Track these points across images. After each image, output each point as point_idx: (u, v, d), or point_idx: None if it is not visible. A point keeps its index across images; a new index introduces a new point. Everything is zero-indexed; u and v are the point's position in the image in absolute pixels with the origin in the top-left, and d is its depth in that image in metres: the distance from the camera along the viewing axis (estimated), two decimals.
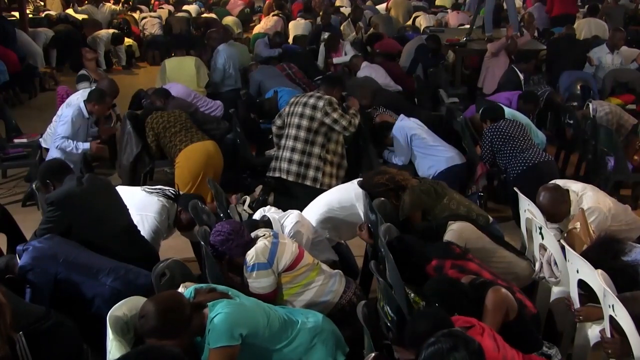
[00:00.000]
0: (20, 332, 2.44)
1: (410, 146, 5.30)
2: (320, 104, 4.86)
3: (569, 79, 7.40)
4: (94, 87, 6.15)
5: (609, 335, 2.75)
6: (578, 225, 3.53)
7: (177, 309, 2.45)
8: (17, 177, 6.24)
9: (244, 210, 4.36)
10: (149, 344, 2.35)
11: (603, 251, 3.20)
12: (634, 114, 6.30)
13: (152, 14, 13.43)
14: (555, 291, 3.43)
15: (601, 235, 3.44)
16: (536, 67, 7.90)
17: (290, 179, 4.89)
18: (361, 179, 4.11)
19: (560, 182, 3.97)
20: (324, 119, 4.84)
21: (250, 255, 3.08)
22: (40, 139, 5.96)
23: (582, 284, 3.07)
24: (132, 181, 5.42)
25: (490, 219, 3.88)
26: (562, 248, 3.28)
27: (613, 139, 5.41)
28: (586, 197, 3.77)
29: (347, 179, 4.77)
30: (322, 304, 3.16)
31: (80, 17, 12.31)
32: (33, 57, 9.69)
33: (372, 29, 10.72)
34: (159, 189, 3.98)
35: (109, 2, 14.08)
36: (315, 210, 4.11)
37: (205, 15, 12.85)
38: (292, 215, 3.73)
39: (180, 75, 7.22)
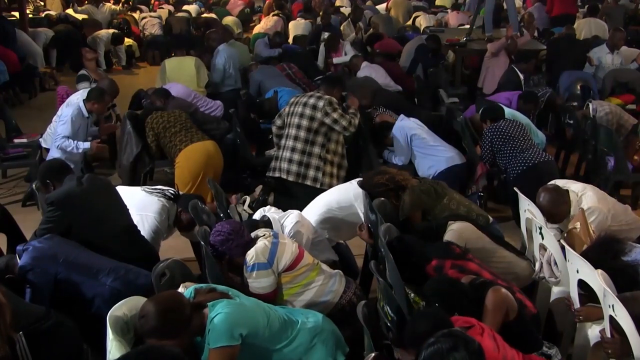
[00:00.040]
0: (20, 332, 2.44)
1: (410, 146, 5.30)
2: (321, 104, 4.86)
3: (569, 79, 7.40)
4: (92, 87, 6.15)
5: (609, 335, 2.75)
6: (578, 225, 3.53)
7: (177, 309, 2.45)
8: (17, 177, 6.24)
9: (244, 210, 4.36)
10: (149, 344, 2.35)
11: (603, 251, 3.20)
12: (634, 114, 6.30)
13: (152, 14, 13.43)
14: (555, 291, 3.43)
15: (601, 235, 3.44)
16: (536, 67, 7.90)
17: (291, 178, 4.89)
18: (361, 179, 4.11)
19: (560, 182, 3.97)
20: (324, 119, 4.84)
21: (250, 255, 3.08)
22: (40, 139, 5.96)
23: (582, 284, 3.07)
24: (132, 181, 5.42)
25: (490, 219, 3.88)
26: (562, 248, 3.28)
27: (613, 139, 5.41)
28: (586, 197, 3.77)
29: (347, 179, 4.77)
30: (322, 304, 3.16)
31: (80, 17, 12.31)
32: (33, 57, 9.69)
33: (372, 29, 10.72)
34: (159, 189, 3.98)
35: (109, 2, 14.08)
36: (314, 210, 4.11)
37: (205, 15, 12.85)
38: (292, 215, 3.73)
39: (180, 75, 7.22)
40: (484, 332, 2.45)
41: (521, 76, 7.04)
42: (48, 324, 2.59)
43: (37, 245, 3.12)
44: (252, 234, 3.22)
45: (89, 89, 5.88)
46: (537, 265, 3.51)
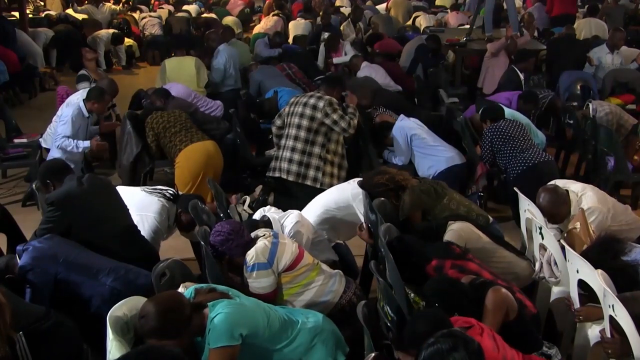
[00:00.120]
0: (20, 332, 2.44)
1: (410, 146, 5.30)
2: (321, 104, 4.86)
3: (569, 79, 7.40)
4: (92, 87, 6.15)
5: (609, 335, 2.75)
6: (578, 225, 3.53)
7: (177, 309, 2.45)
8: (17, 177, 6.23)
9: (244, 210, 4.36)
10: (149, 344, 2.35)
11: (603, 251, 3.20)
12: (634, 114, 6.30)
13: (152, 14, 13.42)
14: (555, 291, 3.43)
15: (601, 235, 3.44)
16: (536, 67, 7.90)
17: (291, 178, 4.89)
18: (361, 179, 4.11)
19: (560, 182, 3.97)
20: (324, 119, 4.84)
21: (250, 255, 3.08)
22: (40, 139, 5.96)
23: (582, 284, 3.07)
24: (132, 181, 5.42)
25: (490, 219, 3.88)
26: (562, 248, 3.28)
27: (613, 139, 5.41)
28: (586, 197, 3.77)
29: (347, 179, 4.77)
30: (322, 304, 3.16)
31: (80, 17, 12.31)
32: (33, 57, 9.69)
33: (372, 29, 10.72)
34: (159, 189, 3.98)
35: (109, 2, 14.07)
36: (312, 211, 4.11)
37: (205, 15, 12.85)
38: (292, 215, 3.73)
39: (180, 75, 7.22)
40: (483, 332, 2.45)
41: (521, 76, 7.04)
42: (48, 324, 2.59)
43: (37, 245, 3.12)
44: (252, 234, 3.22)
45: (89, 89, 5.88)
46: (537, 265, 3.51)
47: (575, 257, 3.08)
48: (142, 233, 3.70)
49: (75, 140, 5.36)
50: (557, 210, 3.76)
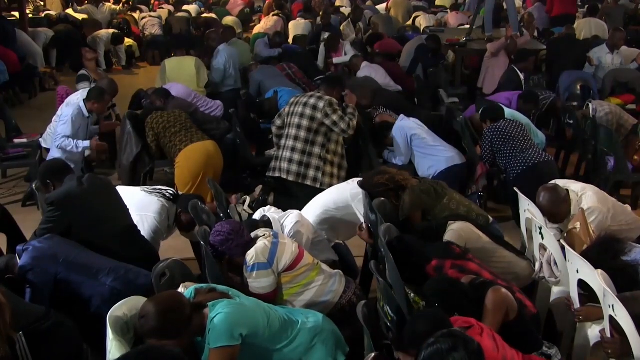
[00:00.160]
0: (20, 332, 2.44)
1: (410, 146, 5.30)
2: (321, 104, 4.86)
3: (569, 79, 7.40)
4: (92, 87, 6.15)
5: (609, 335, 2.75)
6: (578, 225, 3.53)
7: (177, 309, 2.45)
8: (17, 177, 6.23)
9: (244, 210, 4.36)
10: (149, 344, 2.35)
11: (603, 251, 3.20)
12: (634, 114, 6.30)
13: (152, 14, 13.42)
14: (555, 291, 3.43)
15: (601, 235, 3.44)
16: (536, 67, 7.90)
17: (291, 178, 4.89)
18: (361, 179, 4.11)
19: (560, 182, 3.97)
20: (324, 119, 4.84)
21: (250, 255, 3.08)
22: (40, 139, 5.96)
23: (582, 284, 3.07)
24: (132, 181, 5.42)
25: (490, 219, 3.88)
26: (562, 248, 3.28)
27: (613, 139, 5.41)
28: (586, 197, 3.77)
29: (347, 179, 4.77)
30: (322, 304, 3.16)
31: (80, 17, 12.31)
32: (33, 57, 9.69)
33: (372, 29, 10.71)
34: (159, 189, 3.98)
35: (109, 2, 14.07)
36: (311, 211, 4.11)
37: (205, 15, 12.85)
38: (292, 215, 3.73)
39: (180, 75, 7.22)
40: (483, 332, 2.45)
41: (521, 76, 7.04)
42: (48, 324, 2.59)
43: (37, 245, 3.12)
44: (252, 234, 3.22)
45: (89, 89, 5.88)
46: (537, 265, 3.51)
47: (575, 257, 3.08)
48: (142, 233, 3.70)
49: (75, 140, 5.36)
50: (557, 210, 3.76)
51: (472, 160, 5.30)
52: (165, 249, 3.97)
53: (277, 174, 4.98)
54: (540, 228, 3.50)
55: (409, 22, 11.81)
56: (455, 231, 3.42)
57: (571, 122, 6.08)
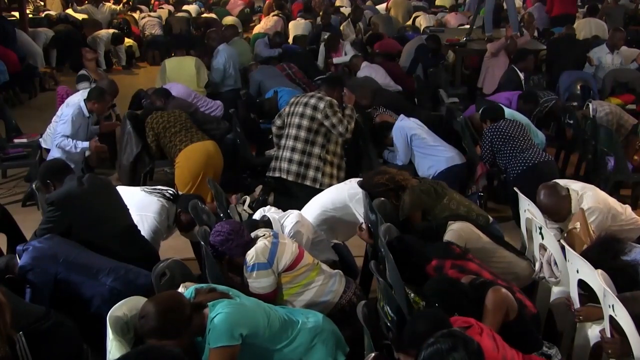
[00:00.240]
0: (20, 332, 2.44)
1: (410, 146, 5.30)
2: (321, 105, 4.86)
3: (569, 79, 7.40)
4: (93, 87, 6.15)
5: (609, 335, 2.75)
6: (578, 225, 3.53)
7: (177, 309, 2.45)
8: (17, 177, 6.23)
9: (244, 210, 4.36)
10: (149, 344, 2.35)
11: (603, 251, 3.20)
12: (634, 114, 6.30)
13: (152, 14, 13.41)
14: (555, 291, 3.43)
15: (601, 235, 3.44)
16: (536, 67, 7.90)
17: (290, 178, 4.89)
18: (361, 179, 4.11)
19: (560, 182, 3.97)
20: (323, 120, 4.84)
21: (250, 255, 3.08)
22: (40, 139, 5.96)
23: (582, 284, 3.07)
24: (132, 181, 5.42)
25: (490, 219, 3.88)
26: (562, 248, 3.28)
27: (613, 139, 5.41)
28: (586, 197, 3.77)
29: (347, 179, 4.77)
30: (322, 304, 3.16)
31: (80, 17, 12.30)
32: (33, 57, 9.69)
33: (372, 29, 10.71)
34: (159, 189, 3.98)
35: (109, 2, 14.07)
36: (310, 211, 4.11)
37: (205, 15, 12.84)
38: (292, 215, 3.73)
39: (180, 75, 7.22)
40: (482, 332, 2.45)
41: (521, 76, 7.04)
42: (48, 324, 2.59)
43: (37, 245, 3.12)
44: (252, 234, 3.22)
45: (89, 89, 5.88)
46: (537, 265, 3.51)
47: (575, 257, 3.08)
48: (142, 233, 3.70)
49: (74, 141, 5.36)
50: (558, 208, 3.76)
51: (472, 160, 5.30)
52: (165, 249, 3.97)
53: (277, 174, 4.98)
54: (540, 228, 3.50)
55: (409, 22, 11.81)
56: (455, 231, 3.42)
57: (571, 122, 6.08)
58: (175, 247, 4.25)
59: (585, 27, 10.03)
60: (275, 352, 2.67)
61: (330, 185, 4.72)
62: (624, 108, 6.50)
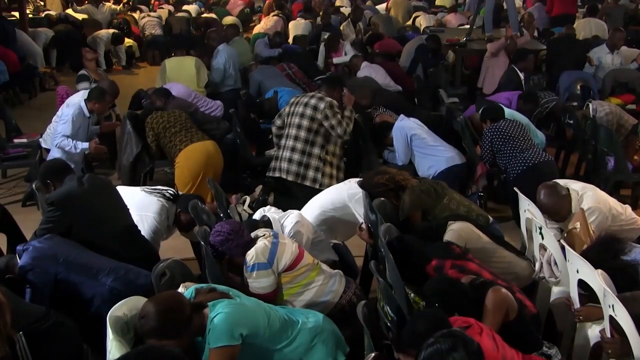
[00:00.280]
0: (20, 332, 2.44)
1: (410, 146, 5.30)
2: (322, 105, 4.86)
3: (569, 79, 7.40)
4: (93, 87, 6.15)
5: (609, 335, 2.75)
6: (578, 225, 3.53)
7: (177, 309, 2.45)
8: (17, 177, 6.23)
9: (244, 210, 4.36)
10: (149, 344, 2.35)
11: (603, 251, 3.20)
12: (634, 114, 6.30)
13: (152, 14, 13.42)
14: (555, 291, 3.43)
15: (601, 235, 3.44)
16: (536, 67, 7.90)
17: (290, 178, 4.89)
18: (361, 179, 4.11)
19: (560, 182, 3.97)
20: (323, 121, 4.84)
21: (250, 255, 3.08)
22: (40, 139, 5.96)
23: (582, 284, 3.07)
24: (132, 181, 5.42)
25: (490, 219, 3.88)
26: (562, 248, 3.28)
27: (613, 139, 5.41)
28: (586, 196, 3.77)
29: (347, 179, 4.77)
30: (322, 304, 3.16)
31: (80, 17, 12.31)
32: (33, 57, 9.69)
33: (372, 29, 10.71)
34: (159, 189, 3.98)
35: (109, 2, 14.07)
36: (309, 212, 4.11)
37: (205, 15, 12.84)
38: (292, 215, 3.73)
39: (180, 75, 7.22)
40: (482, 332, 2.45)
41: (521, 76, 7.04)
42: (48, 324, 2.59)
43: (37, 245, 3.12)
44: (252, 234, 3.22)
45: (89, 90, 5.88)
46: (537, 265, 3.51)
47: (575, 257, 3.08)
48: (142, 233, 3.70)
49: (74, 141, 5.36)
50: (558, 208, 3.76)
51: (472, 160, 5.30)
52: (165, 249, 3.97)
53: (277, 174, 4.98)
54: (540, 228, 3.50)
55: (409, 22, 11.81)
56: (455, 231, 3.42)
57: (571, 122, 6.08)
58: (175, 247, 4.25)
59: (585, 27, 10.03)
60: (275, 352, 2.67)
61: (329, 185, 4.72)
62: (624, 108, 6.50)
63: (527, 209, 3.82)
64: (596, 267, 2.88)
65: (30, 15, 11.96)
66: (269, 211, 3.82)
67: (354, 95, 5.39)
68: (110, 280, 3.03)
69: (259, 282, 3.06)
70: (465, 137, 5.55)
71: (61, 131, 5.38)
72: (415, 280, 3.03)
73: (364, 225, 3.78)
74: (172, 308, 2.44)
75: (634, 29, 10.70)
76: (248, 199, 4.51)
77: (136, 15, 13.25)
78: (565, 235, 3.59)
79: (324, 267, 3.29)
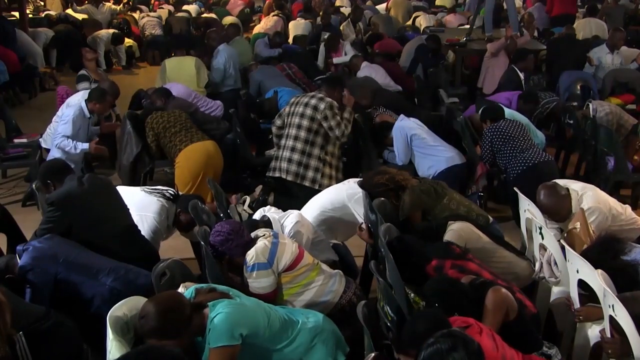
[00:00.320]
0: (20, 332, 2.44)
1: (410, 146, 5.30)
2: (322, 106, 4.86)
3: (569, 79, 7.40)
4: (94, 87, 6.16)
5: (609, 335, 2.75)
6: (578, 225, 3.53)
7: (177, 309, 2.45)
8: (17, 177, 6.23)
9: (244, 210, 4.36)
10: (149, 344, 2.35)
11: (603, 251, 3.20)
12: (634, 114, 6.30)
13: (152, 14, 13.42)
14: (555, 291, 3.43)
15: (601, 235, 3.44)
16: (536, 67, 7.90)
17: (290, 178, 4.89)
18: (361, 179, 4.11)
19: (560, 182, 3.97)
20: (322, 122, 4.84)
21: (250, 255, 3.08)
22: (40, 139, 5.96)
23: (582, 284, 3.07)
24: (132, 181, 5.42)
25: (490, 219, 3.88)
26: (562, 248, 3.28)
27: (613, 139, 5.41)
28: (586, 196, 3.77)
29: (346, 179, 4.77)
30: (322, 304, 3.16)
31: (80, 17, 12.31)
32: (33, 57, 9.69)
33: (372, 29, 10.71)
34: (159, 189, 3.98)
35: (109, 2, 14.08)
36: (309, 212, 4.10)
37: (205, 15, 12.84)
38: (292, 215, 3.73)
39: (180, 75, 7.22)
40: (482, 332, 2.45)
41: (521, 76, 7.04)
42: (48, 324, 2.59)
43: (37, 245, 3.12)
44: (252, 234, 3.22)
45: (89, 90, 5.89)
46: (537, 265, 3.51)
47: (575, 257, 3.08)
48: (142, 233, 3.70)
49: (74, 142, 5.36)
50: (558, 208, 3.76)
51: (472, 160, 5.30)
52: (165, 249, 3.97)
53: (277, 174, 4.98)
54: (540, 228, 3.50)
55: (409, 22, 11.81)
56: (455, 231, 3.42)
57: (571, 122, 6.08)
58: (175, 247, 4.25)
59: (585, 27, 10.04)
60: (275, 352, 2.67)
61: (328, 186, 4.71)
62: (624, 108, 6.50)
63: (527, 209, 3.82)
64: (596, 267, 2.88)
65: (30, 15, 11.96)
66: (269, 211, 3.82)
67: (354, 95, 5.39)
68: (110, 280, 3.04)
69: (259, 282, 3.06)
70: (465, 137, 5.55)
71: (61, 131, 5.38)
72: (415, 280, 3.03)
73: (364, 225, 3.79)
74: (172, 308, 2.44)
75: (634, 29, 10.70)
76: (248, 199, 4.51)
77: (136, 15, 13.26)
78: (565, 235, 3.59)
79: (324, 267, 3.29)
